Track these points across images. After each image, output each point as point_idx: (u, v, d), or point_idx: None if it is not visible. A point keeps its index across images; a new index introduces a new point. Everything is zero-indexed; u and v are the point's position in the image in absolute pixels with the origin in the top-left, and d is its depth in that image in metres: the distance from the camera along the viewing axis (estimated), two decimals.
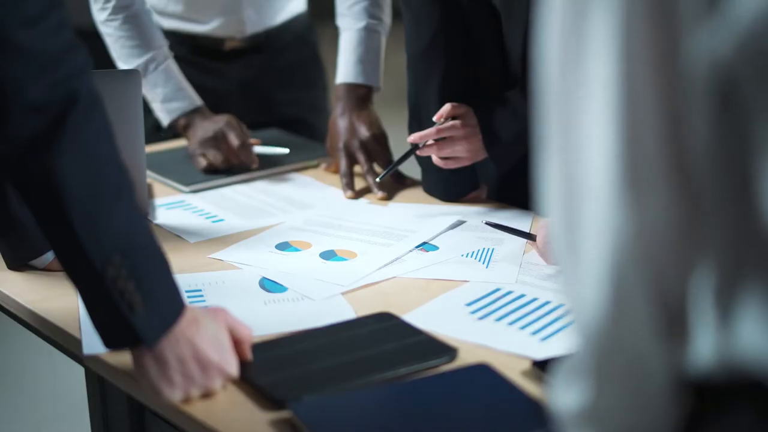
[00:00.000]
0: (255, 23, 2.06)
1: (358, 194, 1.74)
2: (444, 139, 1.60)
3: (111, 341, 1.05)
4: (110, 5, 1.83)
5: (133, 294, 1.00)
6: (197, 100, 1.86)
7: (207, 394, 1.06)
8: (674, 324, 0.69)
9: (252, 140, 1.80)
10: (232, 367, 1.07)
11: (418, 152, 1.63)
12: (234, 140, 1.77)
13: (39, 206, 1.01)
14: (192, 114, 1.84)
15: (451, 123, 1.59)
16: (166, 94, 1.83)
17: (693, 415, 0.70)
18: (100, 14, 1.86)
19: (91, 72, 1.01)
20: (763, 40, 0.61)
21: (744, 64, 0.61)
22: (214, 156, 1.79)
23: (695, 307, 0.68)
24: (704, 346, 0.68)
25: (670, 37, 0.63)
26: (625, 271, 0.67)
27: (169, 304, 1.04)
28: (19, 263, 1.39)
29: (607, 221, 0.67)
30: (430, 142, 1.60)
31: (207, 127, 1.80)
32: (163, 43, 1.87)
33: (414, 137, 1.62)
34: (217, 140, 1.79)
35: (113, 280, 0.99)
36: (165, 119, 1.86)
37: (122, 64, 1.85)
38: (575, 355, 0.72)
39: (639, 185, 0.66)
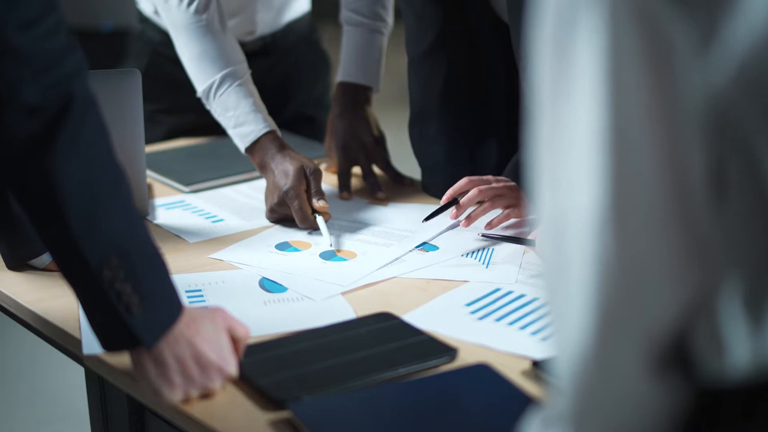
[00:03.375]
0: (266, 25, 2.06)
1: (356, 195, 1.74)
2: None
3: (109, 343, 1.05)
4: (194, 4, 1.66)
5: (131, 296, 1.00)
6: (268, 125, 1.65)
7: (207, 395, 1.06)
8: (668, 360, 0.67)
9: (318, 205, 1.57)
10: (232, 367, 1.07)
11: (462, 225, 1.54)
12: (295, 215, 1.57)
13: (35, 208, 1.01)
14: (264, 151, 1.63)
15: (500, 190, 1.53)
16: (238, 117, 1.65)
17: (728, 419, 0.69)
18: (182, 15, 1.68)
19: (87, 74, 1.01)
20: (760, 67, 0.60)
21: (742, 92, 0.61)
22: (279, 217, 1.62)
23: (726, 317, 0.66)
24: (739, 354, 0.66)
25: (665, 73, 0.62)
26: (612, 308, 0.65)
27: (167, 305, 1.04)
28: (18, 263, 1.39)
29: (593, 257, 0.64)
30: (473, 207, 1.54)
31: (273, 191, 1.60)
32: (242, 59, 1.70)
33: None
34: (285, 209, 1.59)
35: (110, 282, 0.99)
36: (241, 147, 1.67)
37: (195, 75, 1.69)
38: (554, 402, 0.70)
39: (628, 220, 0.64)
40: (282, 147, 1.63)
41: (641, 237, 0.64)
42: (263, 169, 1.64)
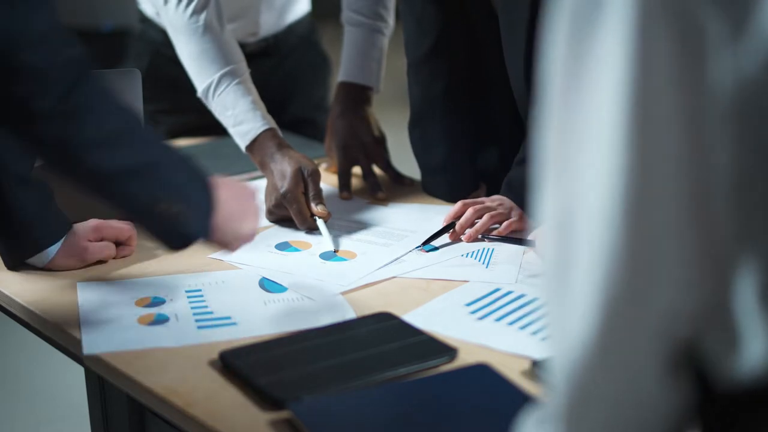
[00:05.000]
0: (268, 26, 2.06)
1: (356, 195, 1.74)
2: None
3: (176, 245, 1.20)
4: (192, 5, 1.67)
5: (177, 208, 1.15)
6: (266, 122, 1.65)
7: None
8: (680, 362, 0.65)
9: (317, 210, 1.56)
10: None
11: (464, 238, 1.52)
12: (294, 217, 1.57)
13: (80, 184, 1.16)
14: (264, 150, 1.63)
15: (496, 212, 1.53)
16: (237, 115, 1.65)
17: (743, 424, 0.67)
18: (180, 17, 1.68)
19: (89, 78, 1.09)
20: None
21: None
22: (278, 217, 1.62)
23: (741, 312, 0.65)
24: (754, 350, 0.65)
25: (694, 63, 0.60)
26: (620, 305, 0.63)
27: (205, 199, 1.18)
28: (17, 261, 1.39)
29: (604, 248, 0.62)
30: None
31: (272, 193, 1.59)
32: (241, 58, 1.70)
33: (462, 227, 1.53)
34: (283, 211, 1.59)
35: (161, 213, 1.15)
36: (241, 145, 1.67)
37: (195, 75, 1.69)
38: (549, 399, 0.68)
39: (645, 213, 0.62)
40: (281, 146, 1.62)
41: (657, 231, 0.62)
42: (263, 168, 1.64)
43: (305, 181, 1.58)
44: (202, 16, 1.66)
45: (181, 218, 1.15)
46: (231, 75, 1.65)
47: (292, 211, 1.56)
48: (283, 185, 1.57)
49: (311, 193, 1.58)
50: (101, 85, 1.12)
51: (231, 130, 1.66)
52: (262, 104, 1.67)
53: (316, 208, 1.56)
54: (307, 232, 1.56)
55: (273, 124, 1.66)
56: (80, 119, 1.08)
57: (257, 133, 1.63)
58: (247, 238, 1.26)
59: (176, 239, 1.18)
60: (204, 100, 1.68)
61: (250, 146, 1.64)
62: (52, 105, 1.05)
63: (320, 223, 1.55)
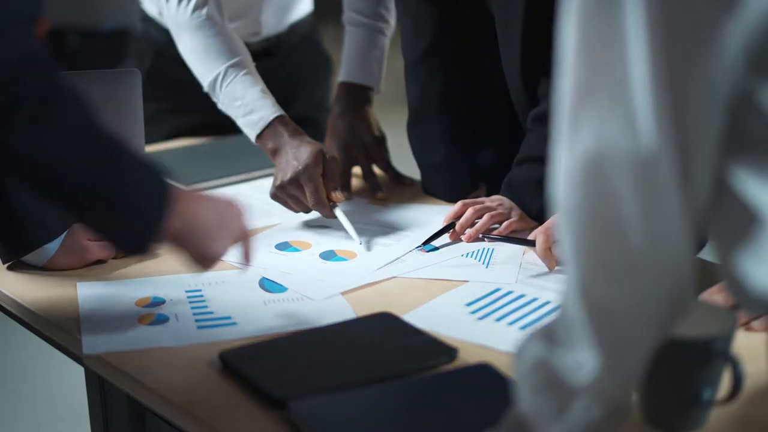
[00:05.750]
0: (271, 26, 2.06)
1: (356, 195, 1.74)
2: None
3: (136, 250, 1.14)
4: (194, 1, 1.67)
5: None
6: (278, 109, 1.63)
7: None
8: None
9: (336, 195, 1.56)
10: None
11: (464, 238, 1.52)
12: (309, 197, 1.54)
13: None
14: (278, 135, 1.59)
15: (495, 212, 1.53)
16: (247, 105, 1.62)
17: None
18: (182, 14, 1.69)
19: (43, 70, 1.04)
20: None
21: None
22: (292, 206, 1.59)
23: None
24: None
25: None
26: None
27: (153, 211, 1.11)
28: (13, 257, 1.39)
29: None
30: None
31: (287, 168, 1.56)
32: (246, 51, 1.69)
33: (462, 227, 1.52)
34: (295, 189, 1.56)
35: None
36: (251, 135, 1.63)
37: (200, 70, 1.68)
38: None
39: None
40: (297, 131, 1.59)
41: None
42: (275, 154, 1.58)
43: (325, 163, 1.55)
44: (204, 11, 1.66)
45: (117, 228, 1.10)
46: (238, 66, 1.64)
47: (308, 189, 1.52)
48: (302, 162, 1.53)
49: (329, 179, 1.55)
50: (60, 84, 1.05)
51: (240, 121, 1.63)
52: (270, 95, 1.64)
53: (335, 193, 1.54)
54: (306, 232, 1.56)
55: (284, 112, 1.63)
56: (17, 109, 1.01)
57: (270, 119, 1.59)
58: (218, 255, 1.18)
59: (118, 246, 1.15)
60: (211, 94, 1.66)
61: (262, 134, 1.60)
62: None
63: (340, 215, 1.54)
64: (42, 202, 1.32)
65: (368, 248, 1.49)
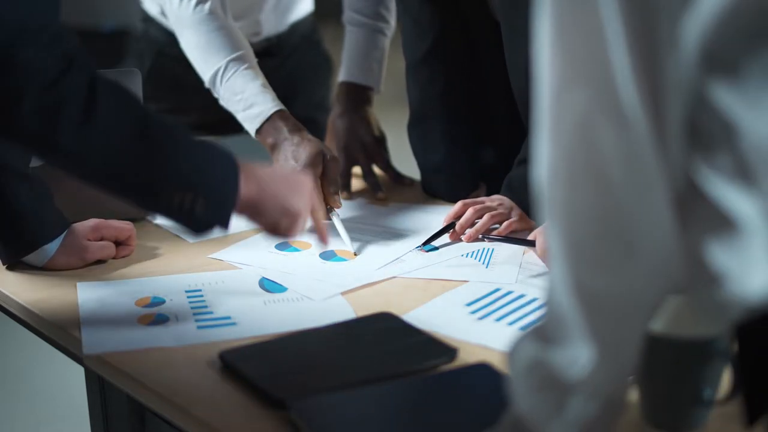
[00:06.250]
0: (271, 26, 2.06)
1: (356, 195, 1.74)
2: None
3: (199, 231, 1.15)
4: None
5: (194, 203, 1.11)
6: (278, 104, 1.62)
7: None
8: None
9: (334, 201, 1.56)
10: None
11: (464, 238, 1.52)
12: None
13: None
14: (278, 130, 1.58)
15: (496, 212, 1.53)
16: (246, 99, 1.61)
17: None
18: (184, 10, 1.68)
19: (81, 72, 1.05)
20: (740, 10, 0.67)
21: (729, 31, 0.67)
22: None
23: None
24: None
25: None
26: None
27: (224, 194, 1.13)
28: (13, 258, 1.39)
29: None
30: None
31: (285, 166, 1.55)
32: (248, 47, 1.68)
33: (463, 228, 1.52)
34: None
35: (177, 206, 1.10)
36: (251, 129, 1.62)
37: (202, 65, 1.67)
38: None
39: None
40: (296, 127, 1.58)
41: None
42: (275, 150, 1.57)
43: (325, 165, 1.54)
44: (207, 6, 1.65)
45: (194, 208, 1.11)
46: (239, 61, 1.63)
47: None
48: (300, 163, 1.52)
49: (328, 181, 1.54)
50: (101, 79, 1.07)
51: (240, 115, 1.62)
52: (271, 89, 1.64)
53: (334, 198, 1.54)
54: (308, 231, 1.56)
55: (284, 107, 1.62)
56: (62, 112, 1.03)
57: (269, 114, 1.59)
58: (300, 214, 1.21)
59: (192, 229, 1.14)
60: (212, 89, 1.65)
61: (261, 128, 1.59)
62: (33, 97, 1.02)
63: (336, 221, 1.53)
64: (52, 202, 1.36)
65: (354, 248, 1.48)
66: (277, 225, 1.20)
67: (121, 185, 1.11)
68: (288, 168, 1.20)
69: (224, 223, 1.14)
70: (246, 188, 1.14)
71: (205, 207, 1.11)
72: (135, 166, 1.08)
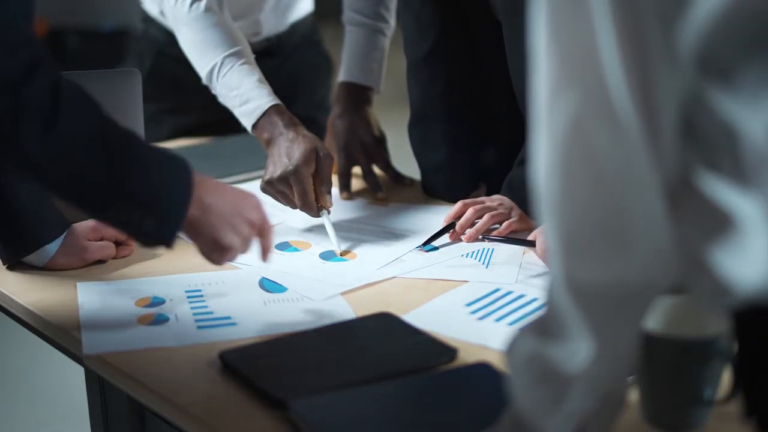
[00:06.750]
0: (271, 25, 2.06)
1: (356, 195, 1.74)
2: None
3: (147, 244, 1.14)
4: None
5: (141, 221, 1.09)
6: (274, 98, 1.60)
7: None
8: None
9: (325, 200, 1.55)
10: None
11: (464, 238, 1.52)
12: (297, 199, 1.53)
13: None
14: (273, 125, 1.57)
15: (496, 212, 1.53)
16: (242, 95, 1.60)
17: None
18: (180, 8, 1.67)
19: (46, 78, 1.03)
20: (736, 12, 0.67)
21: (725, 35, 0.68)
22: (281, 200, 1.57)
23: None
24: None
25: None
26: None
27: (174, 207, 1.11)
28: (14, 258, 1.39)
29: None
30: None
31: (278, 163, 1.54)
32: (245, 43, 1.66)
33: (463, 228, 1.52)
34: (283, 187, 1.54)
35: (120, 221, 1.09)
36: (247, 124, 1.60)
37: (199, 62, 1.66)
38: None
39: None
40: (292, 122, 1.57)
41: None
42: (270, 145, 1.56)
43: (318, 163, 1.53)
44: (202, 3, 1.64)
45: (142, 225, 1.09)
46: (235, 56, 1.61)
47: (296, 190, 1.51)
48: (293, 161, 1.51)
49: (321, 179, 1.53)
50: (65, 85, 1.05)
51: (237, 111, 1.61)
52: (267, 84, 1.62)
53: (326, 197, 1.53)
54: (308, 231, 1.56)
55: (280, 102, 1.60)
56: (24, 117, 1.02)
57: (265, 109, 1.57)
58: (230, 249, 1.16)
59: (137, 241, 1.13)
60: (209, 86, 1.64)
61: (257, 123, 1.58)
62: None
63: (326, 221, 1.53)
64: (52, 202, 1.34)
65: (340, 248, 1.49)
66: (208, 254, 1.17)
67: (76, 193, 1.08)
68: (239, 191, 1.17)
69: (168, 243, 1.11)
70: (191, 210, 1.11)
71: (152, 226, 1.09)
72: (91, 176, 1.06)
